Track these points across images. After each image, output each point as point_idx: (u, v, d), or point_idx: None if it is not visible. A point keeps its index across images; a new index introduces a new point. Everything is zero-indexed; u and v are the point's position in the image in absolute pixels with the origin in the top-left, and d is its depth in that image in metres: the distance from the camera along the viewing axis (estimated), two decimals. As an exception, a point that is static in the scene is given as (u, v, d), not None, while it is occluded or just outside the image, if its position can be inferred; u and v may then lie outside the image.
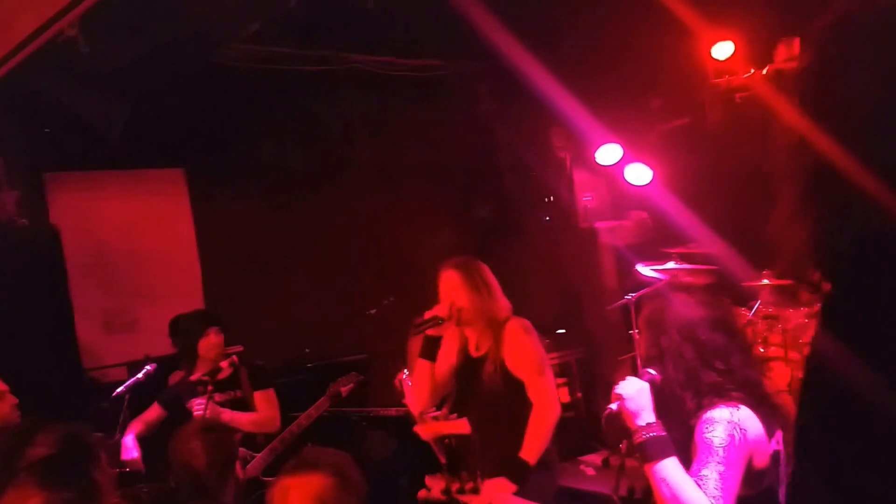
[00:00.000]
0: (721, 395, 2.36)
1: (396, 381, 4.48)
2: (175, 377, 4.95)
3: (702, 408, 2.36)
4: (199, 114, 6.26)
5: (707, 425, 2.32)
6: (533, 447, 3.47)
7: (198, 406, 4.50)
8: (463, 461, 4.10)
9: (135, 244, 6.62)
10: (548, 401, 3.53)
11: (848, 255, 0.90)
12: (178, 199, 6.89)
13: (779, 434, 2.43)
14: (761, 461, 2.34)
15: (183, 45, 5.28)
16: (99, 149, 5.83)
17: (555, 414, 3.54)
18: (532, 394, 3.53)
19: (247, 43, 6.00)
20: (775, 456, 2.38)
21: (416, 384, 3.75)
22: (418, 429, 4.33)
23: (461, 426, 4.10)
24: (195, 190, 6.92)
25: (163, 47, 5.09)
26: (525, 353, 3.57)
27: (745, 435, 2.29)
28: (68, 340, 5.84)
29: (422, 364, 3.68)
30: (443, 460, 4.04)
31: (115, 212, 6.62)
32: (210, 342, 4.71)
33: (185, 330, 4.94)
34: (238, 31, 5.60)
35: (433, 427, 4.20)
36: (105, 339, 6.33)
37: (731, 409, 2.32)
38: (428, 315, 3.58)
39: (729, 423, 2.29)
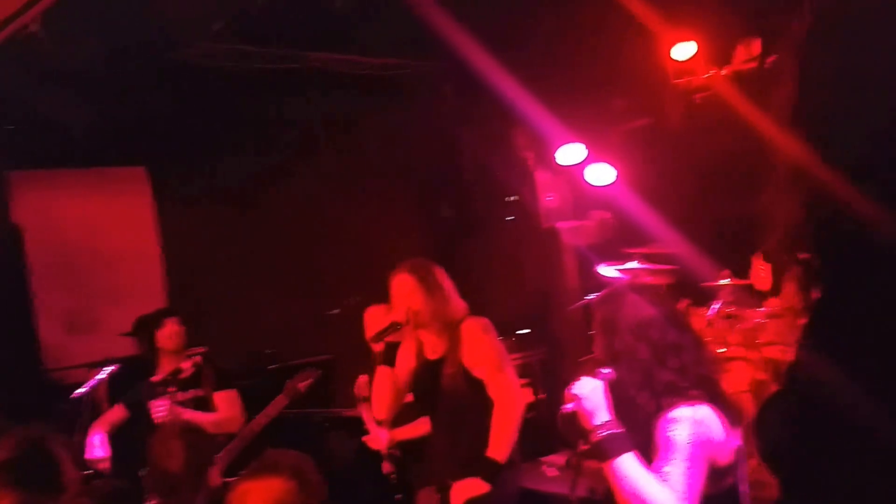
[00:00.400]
0: (679, 394, 2.40)
1: (356, 389, 4.44)
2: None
3: (661, 408, 2.39)
4: (163, 112, 6.20)
5: (669, 424, 2.35)
6: (500, 445, 3.48)
7: (159, 407, 4.48)
8: (411, 471, 4.12)
9: (97, 244, 6.54)
10: (509, 397, 3.54)
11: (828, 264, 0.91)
12: (140, 198, 6.82)
13: (738, 430, 2.49)
14: (724, 459, 2.38)
15: (147, 42, 5.26)
16: (62, 147, 5.77)
17: (518, 409, 3.55)
18: (493, 391, 3.54)
19: (211, 41, 5.96)
20: (738, 452, 2.44)
21: (380, 392, 3.75)
22: (369, 439, 4.30)
23: (416, 430, 4.12)
24: (158, 189, 6.85)
25: (127, 44, 5.07)
26: (483, 352, 3.58)
27: (707, 432, 2.33)
28: (30, 341, 5.79)
29: (383, 371, 3.69)
30: (390, 471, 4.01)
31: (77, 211, 6.54)
32: (166, 332, 4.71)
33: (142, 322, 4.93)
34: (202, 29, 5.57)
35: (387, 436, 4.12)
36: (67, 340, 6.25)
37: (692, 407, 2.36)
38: (388, 321, 3.61)
39: (690, 421, 2.33)
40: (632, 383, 2.45)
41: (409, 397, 3.93)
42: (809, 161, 0.88)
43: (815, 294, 0.92)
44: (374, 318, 4.20)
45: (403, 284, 3.65)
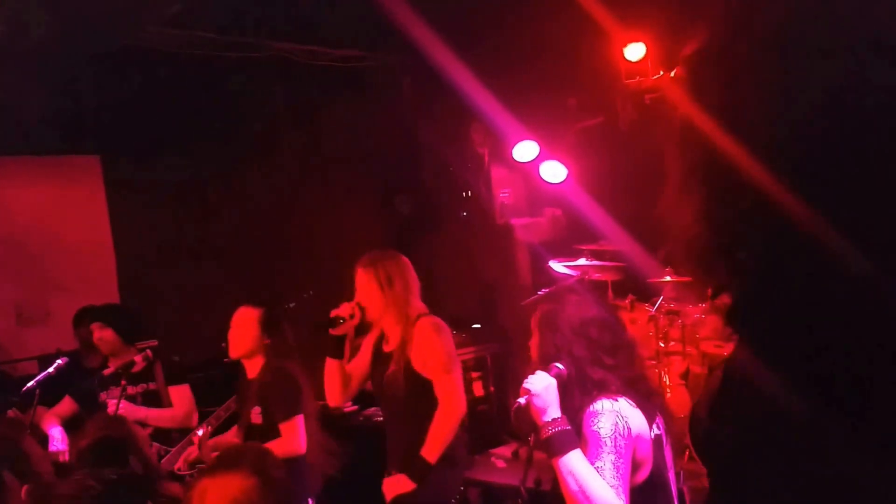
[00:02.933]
0: (602, 389, 2.50)
1: (194, 438, 4.21)
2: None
3: (584, 403, 2.48)
4: (117, 99, 6.11)
5: (592, 418, 2.44)
6: (434, 446, 3.52)
7: (111, 400, 4.46)
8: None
9: (49, 233, 6.46)
10: (453, 400, 3.58)
11: (748, 258, 0.91)
12: (92, 187, 6.73)
13: (659, 420, 2.59)
14: (643, 450, 2.47)
15: (100, 23, 5.17)
16: (13, 134, 5.67)
17: (459, 413, 3.59)
18: (438, 392, 3.57)
19: (167, 26, 5.88)
20: (657, 441, 2.54)
21: (327, 381, 3.80)
22: None
23: None
24: (111, 178, 6.77)
25: (79, 25, 4.98)
26: (433, 352, 3.60)
27: (627, 423, 2.42)
28: (-23, 332, 5.71)
29: (329, 363, 3.74)
30: None
31: (28, 199, 6.45)
32: (95, 337, 4.68)
33: (75, 325, 4.89)
34: (158, 13, 5.48)
35: None
36: (17, 332, 6.19)
37: (611, 400, 2.45)
38: (332, 314, 3.63)
39: (612, 413, 2.41)
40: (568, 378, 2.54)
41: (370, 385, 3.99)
42: (714, 160, 0.90)
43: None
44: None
45: (359, 278, 3.69)
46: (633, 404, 2.48)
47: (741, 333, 0.95)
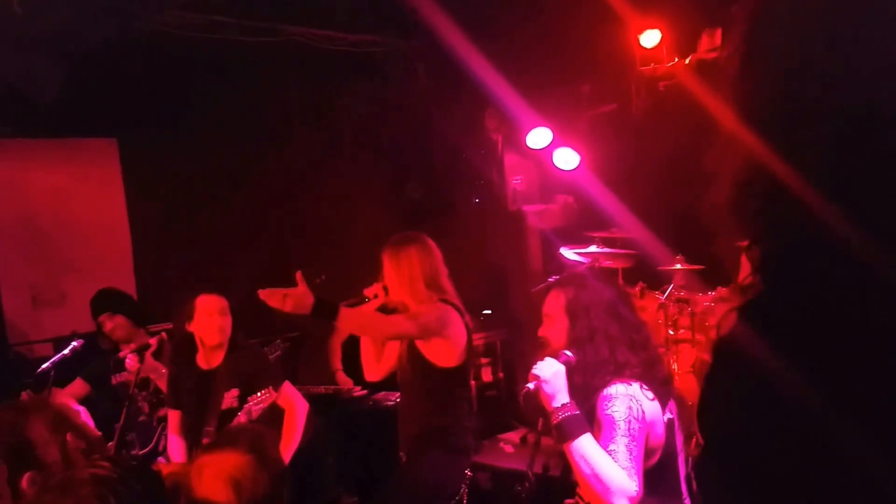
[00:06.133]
0: (623, 371, 2.52)
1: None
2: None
3: (598, 386, 2.51)
4: (134, 82, 6.13)
5: (606, 402, 2.47)
6: None
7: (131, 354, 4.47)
8: None
9: (65, 216, 6.50)
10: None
11: (776, 254, 0.91)
12: (109, 170, 6.76)
13: (671, 404, 2.62)
14: (656, 434, 2.51)
15: (117, 9, 5.20)
16: (29, 116, 5.70)
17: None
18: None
19: (184, 10, 5.91)
20: (670, 425, 2.57)
21: (363, 357, 3.93)
22: None
23: None
24: (127, 161, 6.80)
25: (98, 9, 5.01)
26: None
27: (641, 407, 2.46)
28: (-7, 315, 5.75)
29: (363, 339, 3.88)
30: None
31: (44, 182, 6.48)
32: (107, 328, 4.72)
33: (92, 311, 4.95)
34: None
35: None
36: (32, 314, 6.24)
37: (625, 384, 2.49)
38: (364, 293, 3.76)
39: (626, 397, 2.45)
40: (594, 362, 2.55)
41: None
42: (757, 153, 0.89)
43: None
44: None
45: (384, 260, 3.76)
46: (648, 388, 2.51)
47: (767, 286, 0.93)
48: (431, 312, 3.59)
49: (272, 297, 3.24)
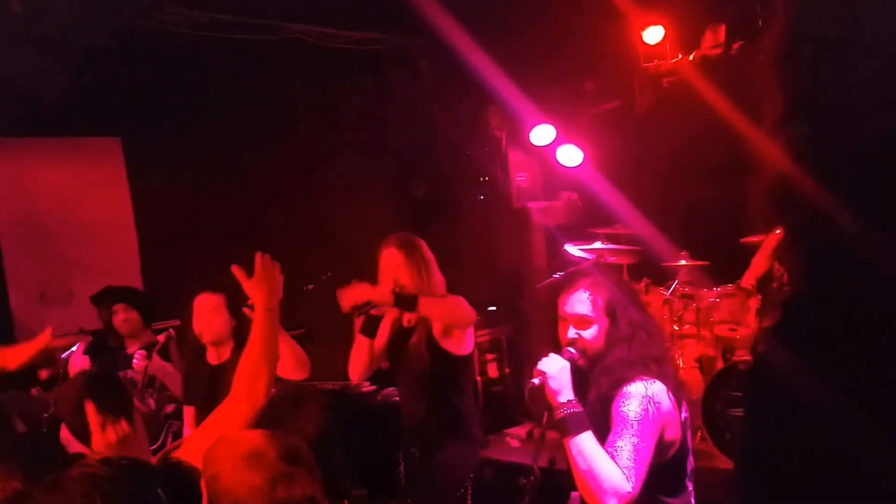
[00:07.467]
0: (650, 367, 2.55)
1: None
2: None
3: (619, 383, 2.53)
4: (137, 81, 6.15)
5: (623, 399, 2.49)
6: None
7: (140, 352, 4.49)
8: None
9: (71, 214, 6.53)
10: None
11: (806, 262, 0.91)
12: (114, 168, 6.79)
13: (684, 404, 2.65)
14: (672, 432, 2.53)
15: (120, 4, 5.21)
16: (34, 115, 5.72)
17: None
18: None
19: (187, 8, 5.93)
20: (685, 424, 2.60)
21: (355, 358, 3.88)
22: None
23: None
24: (132, 159, 6.82)
25: (99, 6, 5.03)
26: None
27: (658, 408, 2.47)
28: (1, 312, 5.78)
29: (361, 340, 3.82)
30: None
31: (50, 180, 6.51)
32: (119, 319, 4.74)
33: (97, 306, 4.95)
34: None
35: None
36: (39, 312, 6.26)
37: (645, 383, 2.50)
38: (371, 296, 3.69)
39: (644, 398, 2.47)
40: (631, 359, 2.57)
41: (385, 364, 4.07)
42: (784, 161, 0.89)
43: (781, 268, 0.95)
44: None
45: (392, 258, 3.75)
46: (666, 387, 2.54)
47: (789, 268, 0.96)
48: (463, 300, 3.65)
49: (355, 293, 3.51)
